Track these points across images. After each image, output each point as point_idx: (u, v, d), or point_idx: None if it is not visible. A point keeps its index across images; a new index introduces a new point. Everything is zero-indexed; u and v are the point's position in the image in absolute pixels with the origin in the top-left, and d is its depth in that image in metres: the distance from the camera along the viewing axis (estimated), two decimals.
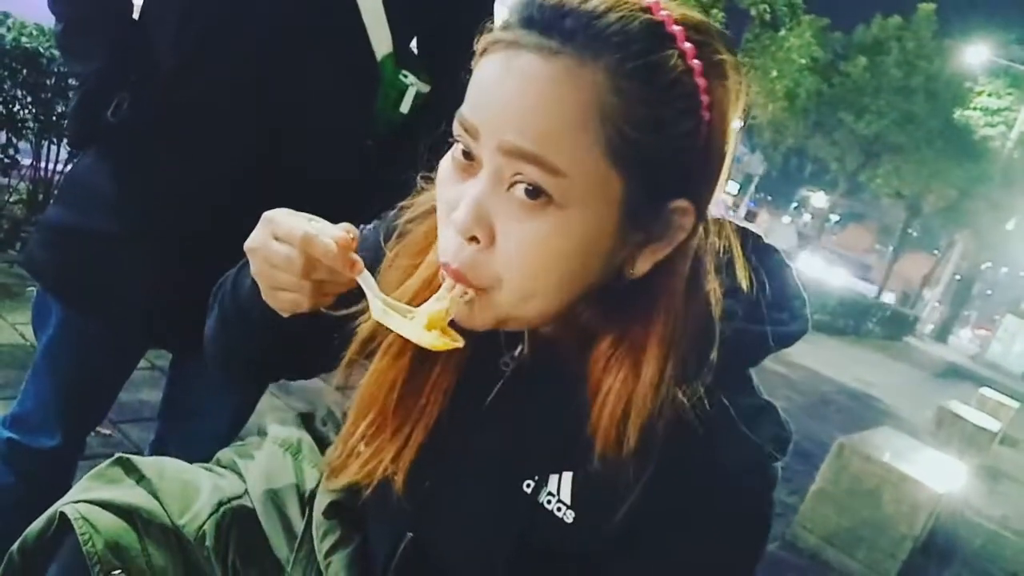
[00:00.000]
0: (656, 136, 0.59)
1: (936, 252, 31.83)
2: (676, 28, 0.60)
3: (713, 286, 0.67)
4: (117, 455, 0.90)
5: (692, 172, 0.62)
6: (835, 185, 21.05)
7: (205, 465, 0.97)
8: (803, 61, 11.14)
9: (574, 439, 0.67)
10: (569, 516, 0.69)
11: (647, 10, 0.60)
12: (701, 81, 0.60)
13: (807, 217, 38.44)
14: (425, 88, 1.22)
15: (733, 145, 0.65)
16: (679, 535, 0.68)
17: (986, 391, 9.61)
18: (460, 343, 0.66)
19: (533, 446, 0.71)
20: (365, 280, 0.68)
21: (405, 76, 1.19)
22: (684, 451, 0.65)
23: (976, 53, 21.53)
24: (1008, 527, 5.88)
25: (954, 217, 21.25)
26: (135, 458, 0.89)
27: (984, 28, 21.86)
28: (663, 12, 0.60)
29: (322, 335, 0.76)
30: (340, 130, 1.18)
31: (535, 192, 0.59)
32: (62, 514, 0.81)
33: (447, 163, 0.66)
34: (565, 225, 0.60)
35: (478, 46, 0.63)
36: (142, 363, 1.36)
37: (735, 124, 0.64)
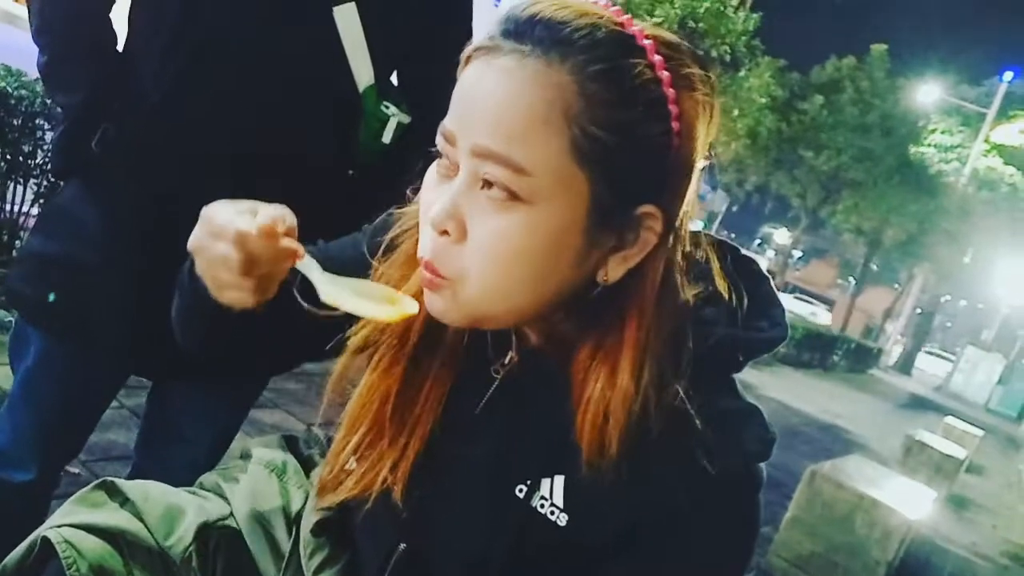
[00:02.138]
0: (622, 139, 0.62)
1: (897, 286, 32.43)
2: (647, 42, 0.63)
3: (690, 295, 0.69)
4: (101, 479, 0.89)
5: (660, 179, 0.65)
6: (797, 222, 21.44)
7: (189, 489, 0.96)
8: (763, 100, 11.43)
9: (564, 444, 0.68)
10: (562, 519, 0.70)
11: (619, 24, 0.63)
12: (670, 92, 0.63)
13: (770, 253, 39.05)
14: (406, 119, 1.24)
15: (702, 156, 0.67)
16: (669, 537, 0.69)
17: (951, 420, 9.74)
18: (414, 308, 0.68)
19: (524, 451, 0.72)
20: (307, 266, 0.68)
21: (387, 107, 1.21)
22: (672, 453, 0.67)
23: (928, 92, 22.20)
24: (977, 552, 5.94)
25: (913, 251, 21.69)
26: (119, 481, 0.88)
27: (935, 68, 22.58)
28: (634, 27, 0.64)
29: (290, 323, 0.77)
30: (322, 161, 1.19)
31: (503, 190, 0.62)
32: (44, 539, 0.80)
33: (431, 173, 0.69)
34: (532, 222, 0.62)
35: (462, 56, 0.66)
36: (111, 404, 1.34)
37: (705, 137, 0.66)
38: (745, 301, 0.72)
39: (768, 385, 10.72)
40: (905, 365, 29.91)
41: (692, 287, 0.70)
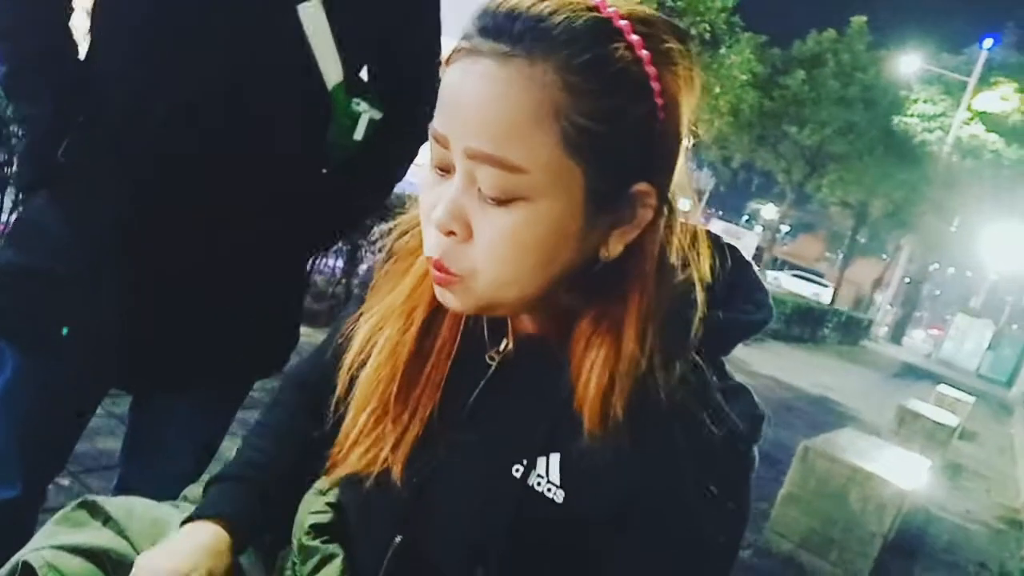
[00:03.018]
0: (610, 125, 0.62)
1: (885, 256, 32.60)
2: (623, 23, 0.63)
3: (686, 274, 0.71)
4: (82, 498, 0.88)
5: (650, 157, 0.66)
6: (783, 197, 21.49)
7: (174, 503, 0.95)
8: (744, 77, 11.42)
9: (560, 421, 0.70)
10: (559, 496, 0.71)
11: (593, 8, 0.63)
12: (651, 69, 0.63)
13: (758, 229, 39.16)
14: (378, 115, 1.23)
15: (688, 129, 0.68)
16: (664, 511, 0.70)
17: (943, 388, 9.82)
18: None
19: (520, 433, 0.73)
20: None
21: (357, 104, 1.20)
22: (668, 428, 0.68)
23: (909, 62, 22.25)
24: (972, 519, 6.00)
25: (899, 221, 21.79)
26: (100, 499, 0.87)
27: (915, 38, 22.65)
28: (610, 9, 0.63)
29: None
30: (294, 159, 1.18)
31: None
32: (25, 563, 0.79)
33: (427, 171, 0.69)
34: (533, 216, 0.63)
35: (444, 58, 0.67)
36: (99, 411, 1.33)
37: (689, 109, 0.67)
38: (732, 284, 0.75)
39: (760, 361, 10.78)
40: (896, 335, 30.14)
41: (682, 272, 0.72)
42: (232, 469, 0.89)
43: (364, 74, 1.27)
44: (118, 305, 1.12)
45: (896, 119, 19.34)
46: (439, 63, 1.38)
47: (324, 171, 1.25)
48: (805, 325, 16.53)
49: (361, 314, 0.83)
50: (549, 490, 0.72)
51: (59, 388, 1.16)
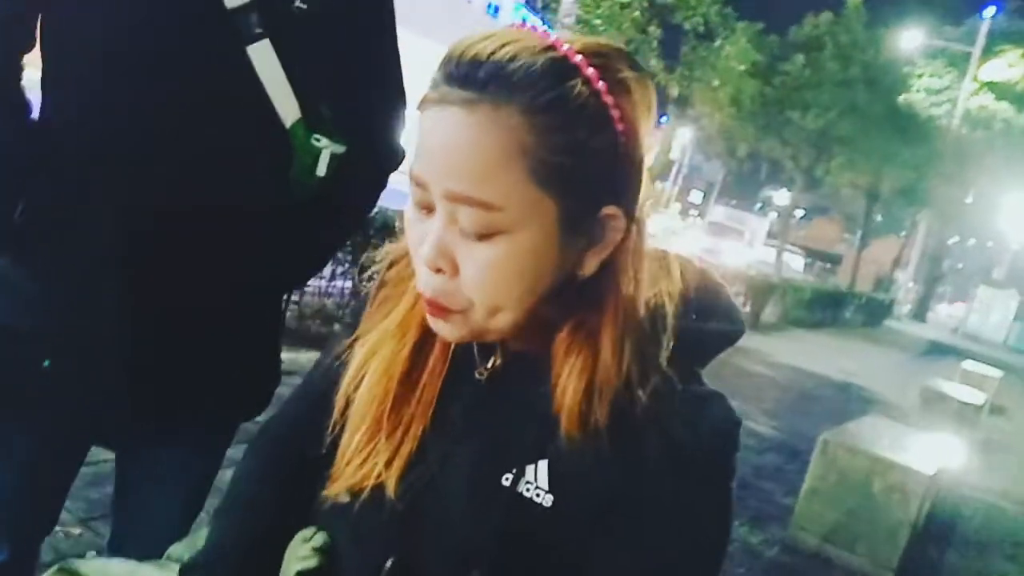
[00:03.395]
0: (575, 157, 0.66)
1: (904, 234, 32.25)
2: (578, 58, 0.67)
3: (658, 288, 0.75)
4: (59, 565, 0.89)
5: (615, 181, 0.70)
6: (793, 183, 21.36)
7: (157, 562, 0.96)
8: (742, 67, 11.36)
9: (547, 429, 0.73)
10: (548, 500, 0.74)
11: (551, 48, 0.67)
12: (609, 99, 0.67)
13: (772, 216, 38.85)
14: (340, 149, 1.23)
15: (649, 151, 0.72)
16: (646, 517, 0.72)
17: (968, 364, 9.70)
18: None
19: (509, 444, 0.76)
20: None
21: (318, 140, 1.20)
22: (644, 436, 0.71)
23: (911, 38, 22.06)
24: (1008, 498, 5.91)
25: (913, 198, 21.55)
26: (77, 562, 0.89)
27: (915, 13, 22.44)
28: (565, 46, 0.67)
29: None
30: (259, 200, 1.18)
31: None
32: None
33: (410, 208, 0.73)
34: (514, 247, 0.68)
35: (417, 106, 0.70)
36: (107, 456, 1.33)
37: (648, 132, 0.71)
38: (704, 299, 0.78)
39: (780, 351, 10.69)
40: (919, 312, 29.82)
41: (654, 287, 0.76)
42: (202, 557, 0.90)
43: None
44: (90, 360, 1.12)
45: (902, 96, 19.17)
46: (401, 91, 1.39)
47: (290, 208, 1.26)
48: (826, 310, 16.41)
49: (356, 339, 0.86)
50: (538, 495, 0.74)
51: (35, 449, 1.16)
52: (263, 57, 1.11)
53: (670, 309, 0.74)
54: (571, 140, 0.66)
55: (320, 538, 0.88)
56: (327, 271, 4.76)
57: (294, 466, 0.92)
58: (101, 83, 1.09)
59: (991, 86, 22.01)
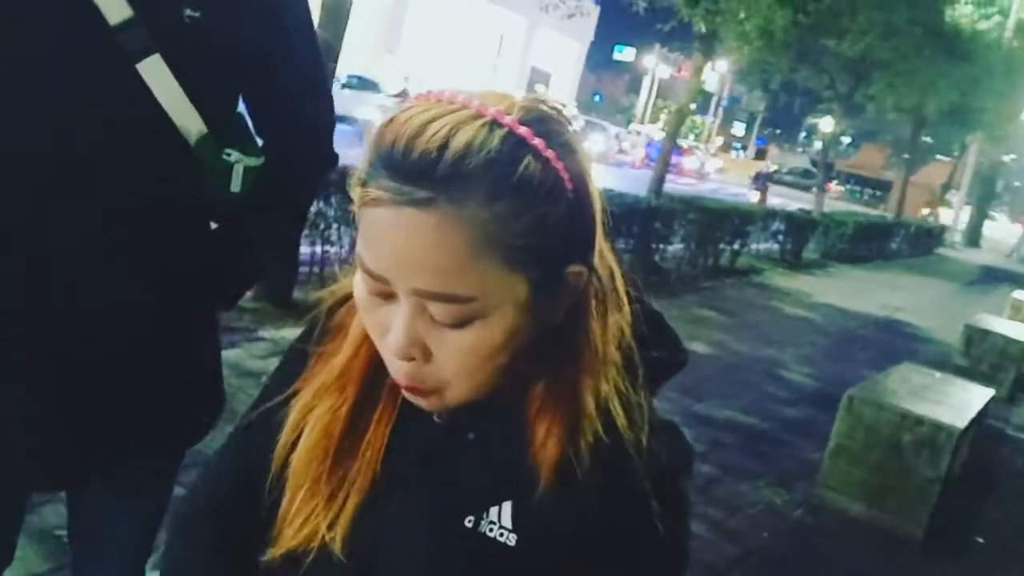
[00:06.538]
0: (541, 234, 0.66)
1: (956, 155, 31.07)
2: (522, 130, 0.64)
3: (621, 323, 0.75)
4: None
5: (575, 242, 0.70)
6: (832, 111, 20.67)
7: None
8: None
9: (511, 472, 0.73)
10: (512, 539, 0.73)
11: (491, 121, 0.64)
12: (559, 165, 0.66)
13: (818, 144, 37.67)
14: (255, 162, 1.19)
15: (600, 201, 0.72)
16: (610, 552, 0.73)
17: (1019, 295, 9.38)
18: None
19: (470, 487, 0.75)
20: None
21: (228, 154, 1.16)
22: (612, 467, 0.71)
23: None
24: None
25: (961, 119, 20.71)
26: None
27: None
28: (506, 119, 0.64)
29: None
30: (178, 220, 1.15)
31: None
32: None
33: (361, 288, 0.70)
34: (489, 329, 0.67)
35: (356, 200, 0.67)
36: None
37: (592, 177, 0.70)
38: (651, 330, 0.78)
39: (820, 290, 10.47)
40: (972, 236, 28.93)
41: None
42: None
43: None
44: (15, 401, 1.10)
45: (948, 12, 18.27)
46: (325, 92, 1.32)
47: (213, 226, 1.21)
48: (871, 242, 15.99)
49: (292, 395, 0.82)
50: (501, 535, 0.73)
51: None
52: (155, 73, 1.07)
53: (629, 341, 0.74)
54: (533, 219, 0.65)
55: None
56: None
57: (232, 540, 0.89)
58: None
59: None
